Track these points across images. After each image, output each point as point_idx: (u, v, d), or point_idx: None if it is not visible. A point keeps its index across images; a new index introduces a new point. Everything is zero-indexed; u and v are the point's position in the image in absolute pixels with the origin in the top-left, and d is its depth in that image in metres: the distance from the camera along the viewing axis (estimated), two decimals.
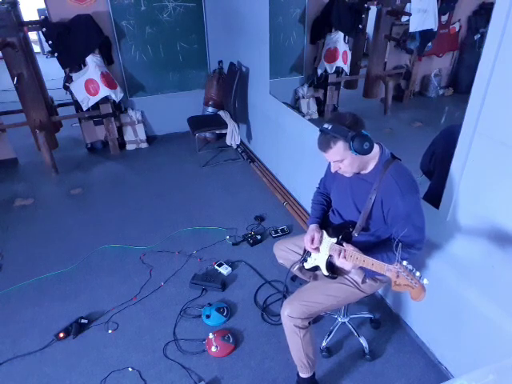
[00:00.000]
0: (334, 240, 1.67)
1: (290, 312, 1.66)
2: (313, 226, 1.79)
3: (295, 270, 1.96)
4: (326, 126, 1.48)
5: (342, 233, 1.66)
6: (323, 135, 1.50)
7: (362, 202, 1.62)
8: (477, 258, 1.63)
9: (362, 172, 1.61)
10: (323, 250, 1.72)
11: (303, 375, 1.83)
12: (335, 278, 1.74)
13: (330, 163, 1.81)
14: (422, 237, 1.56)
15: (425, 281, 1.27)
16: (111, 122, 4.07)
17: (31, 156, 4.16)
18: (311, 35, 3.83)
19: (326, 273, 1.72)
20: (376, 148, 1.56)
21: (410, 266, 1.30)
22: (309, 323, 1.71)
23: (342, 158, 1.50)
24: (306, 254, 1.82)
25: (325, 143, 1.50)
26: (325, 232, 1.74)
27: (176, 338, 2.18)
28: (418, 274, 1.29)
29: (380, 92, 4.03)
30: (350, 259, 1.55)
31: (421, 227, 1.55)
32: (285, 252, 2.01)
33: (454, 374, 1.91)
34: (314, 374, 1.85)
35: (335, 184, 1.79)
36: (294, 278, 2.45)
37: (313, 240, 1.73)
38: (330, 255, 1.68)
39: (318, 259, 1.75)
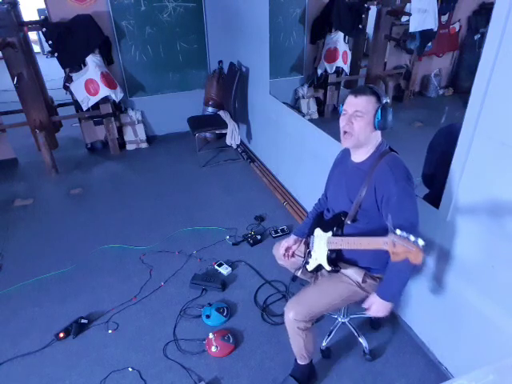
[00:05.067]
0: (330, 234, 1.68)
1: (295, 315, 1.65)
2: (292, 236, 1.94)
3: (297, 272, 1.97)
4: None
5: (336, 224, 1.67)
6: (362, 86, 1.59)
7: (355, 191, 1.61)
8: (477, 258, 1.63)
9: (357, 160, 1.62)
10: (321, 246, 1.72)
11: (301, 362, 1.86)
12: (338, 271, 1.73)
13: (332, 167, 1.82)
14: (415, 221, 1.55)
15: (420, 241, 1.27)
16: (111, 122, 4.07)
17: (31, 156, 4.15)
18: (311, 35, 3.83)
19: (328, 268, 1.72)
20: (379, 136, 1.58)
21: (404, 233, 1.30)
22: (311, 324, 1.71)
23: (365, 112, 1.49)
24: (308, 257, 1.82)
25: (362, 89, 1.53)
26: (319, 229, 1.75)
27: (176, 338, 2.18)
28: (412, 238, 1.28)
29: None
30: (347, 245, 1.57)
31: (414, 213, 1.55)
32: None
33: (454, 374, 1.91)
34: (311, 360, 1.89)
35: (332, 179, 1.81)
36: (295, 278, 2.44)
37: (287, 249, 1.90)
38: (330, 250, 1.68)
39: (319, 258, 1.74)
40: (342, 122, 1.56)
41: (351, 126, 1.53)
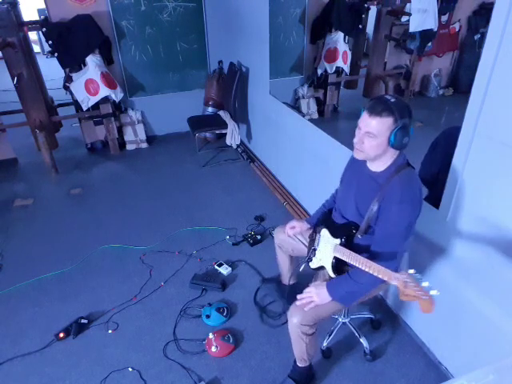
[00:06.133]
0: (338, 241, 1.63)
1: (301, 320, 1.63)
2: (305, 222, 1.97)
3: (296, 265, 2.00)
4: (388, 96, 1.42)
5: (346, 234, 1.63)
6: (381, 101, 1.40)
7: (363, 202, 1.57)
8: (477, 259, 1.63)
9: (373, 169, 1.56)
10: (327, 250, 1.69)
11: (301, 365, 1.85)
12: None
13: (346, 166, 1.79)
14: (397, 248, 1.50)
15: (432, 291, 1.20)
16: (111, 122, 4.07)
17: (31, 156, 4.15)
18: (311, 35, 3.83)
19: (332, 275, 1.69)
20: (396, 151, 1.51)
21: (418, 275, 1.23)
22: (315, 328, 1.70)
23: (377, 134, 1.40)
24: (311, 253, 1.81)
25: (378, 109, 1.39)
26: (327, 231, 1.71)
27: (176, 338, 2.18)
28: (425, 284, 1.21)
29: (380, 92, 4.03)
30: (354, 262, 1.50)
31: (401, 239, 1.50)
32: (288, 237, 2.04)
33: (454, 374, 1.91)
34: (310, 363, 1.88)
35: (344, 178, 1.77)
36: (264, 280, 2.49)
37: (294, 228, 1.96)
38: (335, 257, 1.64)
39: (324, 260, 1.72)
40: (355, 137, 1.49)
41: (361, 145, 1.46)
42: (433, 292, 1.20)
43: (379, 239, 1.54)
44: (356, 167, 1.68)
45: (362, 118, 1.45)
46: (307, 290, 1.67)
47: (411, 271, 1.25)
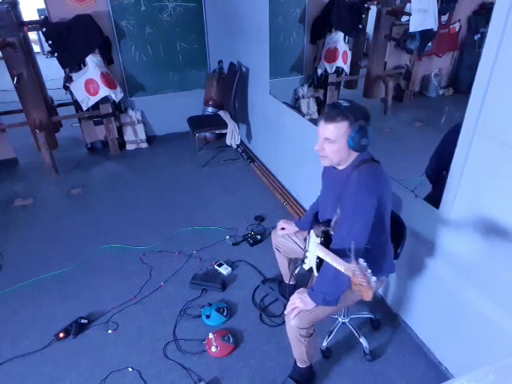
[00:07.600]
0: (319, 240, 1.65)
1: (299, 323, 1.64)
2: (291, 223, 2.05)
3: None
4: (341, 101, 1.44)
5: (323, 232, 1.65)
6: (334, 107, 1.44)
7: (334, 201, 1.60)
8: (477, 258, 1.63)
9: (340, 168, 1.59)
10: (313, 250, 1.70)
11: (301, 365, 1.85)
12: None
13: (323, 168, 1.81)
14: (361, 239, 1.46)
15: (373, 278, 1.24)
16: (111, 122, 4.07)
17: (31, 156, 4.16)
18: (311, 35, 3.83)
19: (316, 274, 1.70)
20: None
21: (365, 265, 1.27)
22: (313, 330, 1.70)
23: (335, 139, 1.44)
24: (304, 255, 1.81)
25: (332, 114, 1.43)
26: (313, 231, 1.72)
27: (176, 338, 2.18)
28: (369, 270, 1.25)
29: (380, 92, 4.03)
30: (329, 260, 1.51)
31: (362, 231, 1.47)
32: (284, 239, 2.06)
33: (454, 374, 1.91)
34: (310, 364, 1.88)
35: (323, 181, 1.82)
36: (265, 281, 2.50)
37: (283, 230, 2.03)
38: (318, 256, 1.65)
39: (312, 261, 1.73)
40: (317, 145, 1.53)
41: (323, 151, 1.51)
42: (373, 278, 1.24)
43: (342, 238, 1.54)
44: (328, 170, 1.72)
45: (319, 125, 1.49)
46: (291, 297, 1.69)
47: (361, 261, 1.29)
